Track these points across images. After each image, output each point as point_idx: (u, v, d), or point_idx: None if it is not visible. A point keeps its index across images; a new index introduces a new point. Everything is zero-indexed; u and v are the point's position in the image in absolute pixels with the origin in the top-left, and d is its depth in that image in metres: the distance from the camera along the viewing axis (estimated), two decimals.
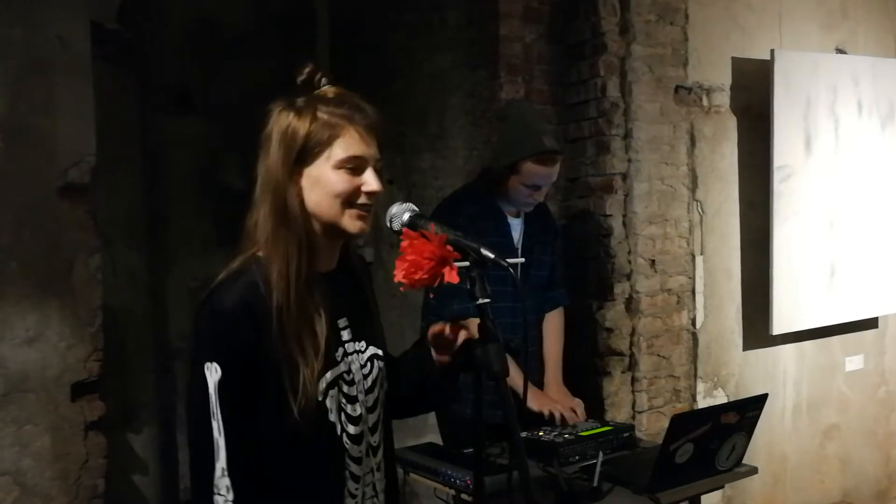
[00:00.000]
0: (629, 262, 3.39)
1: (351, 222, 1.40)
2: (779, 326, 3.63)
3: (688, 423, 2.12)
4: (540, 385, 2.75)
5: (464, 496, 2.18)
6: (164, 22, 4.21)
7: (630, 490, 2.16)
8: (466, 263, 1.17)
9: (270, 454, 1.34)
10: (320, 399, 1.35)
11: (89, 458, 2.89)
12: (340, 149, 1.37)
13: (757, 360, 3.80)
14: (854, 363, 4.16)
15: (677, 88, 3.50)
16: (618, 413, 3.34)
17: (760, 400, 2.31)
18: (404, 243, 1.27)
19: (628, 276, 3.39)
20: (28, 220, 2.87)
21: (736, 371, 3.74)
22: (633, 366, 3.40)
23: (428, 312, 2.76)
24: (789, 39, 3.81)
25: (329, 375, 1.38)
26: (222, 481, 1.30)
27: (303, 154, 1.38)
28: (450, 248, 1.24)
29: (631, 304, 3.40)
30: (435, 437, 2.89)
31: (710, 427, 2.15)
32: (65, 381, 2.81)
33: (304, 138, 1.37)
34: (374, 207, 1.42)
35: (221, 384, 1.30)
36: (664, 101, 3.45)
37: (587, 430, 2.49)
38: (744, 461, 2.37)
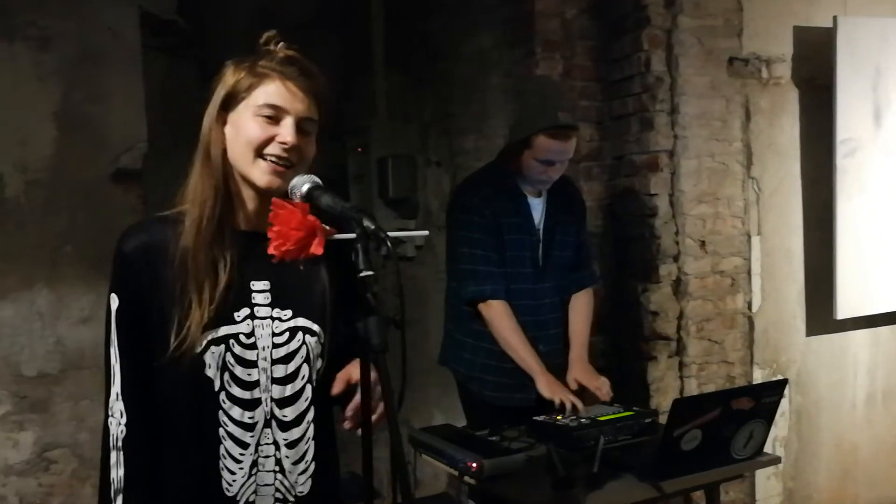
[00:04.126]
0: (676, 242, 3.26)
1: (260, 175, 1.38)
2: (843, 310, 3.41)
3: (692, 408, 2.03)
4: (565, 364, 2.68)
5: (466, 479, 2.15)
6: (223, 13, 4.33)
7: (635, 476, 2.09)
8: (352, 235, 1.15)
9: (156, 390, 1.40)
10: (198, 351, 1.36)
11: None
12: (261, 95, 1.38)
13: (821, 347, 3.58)
14: None
15: (731, 60, 3.33)
16: (663, 399, 3.22)
17: (779, 385, 2.18)
18: (271, 213, 1.25)
19: (675, 258, 3.26)
20: (82, 204, 3.03)
21: (798, 357, 3.54)
22: (680, 350, 3.28)
23: (449, 296, 2.74)
24: (859, 4, 3.55)
25: (218, 332, 1.38)
26: (116, 405, 1.38)
27: (228, 100, 1.40)
28: (312, 217, 1.22)
29: (679, 287, 3.27)
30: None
31: (721, 413, 2.05)
32: None
33: (232, 86, 1.40)
34: (295, 165, 1.39)
35: (118, 314, 1.38)
36: (715, 74, 3.28)
37: (606, 415, 2.42)
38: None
